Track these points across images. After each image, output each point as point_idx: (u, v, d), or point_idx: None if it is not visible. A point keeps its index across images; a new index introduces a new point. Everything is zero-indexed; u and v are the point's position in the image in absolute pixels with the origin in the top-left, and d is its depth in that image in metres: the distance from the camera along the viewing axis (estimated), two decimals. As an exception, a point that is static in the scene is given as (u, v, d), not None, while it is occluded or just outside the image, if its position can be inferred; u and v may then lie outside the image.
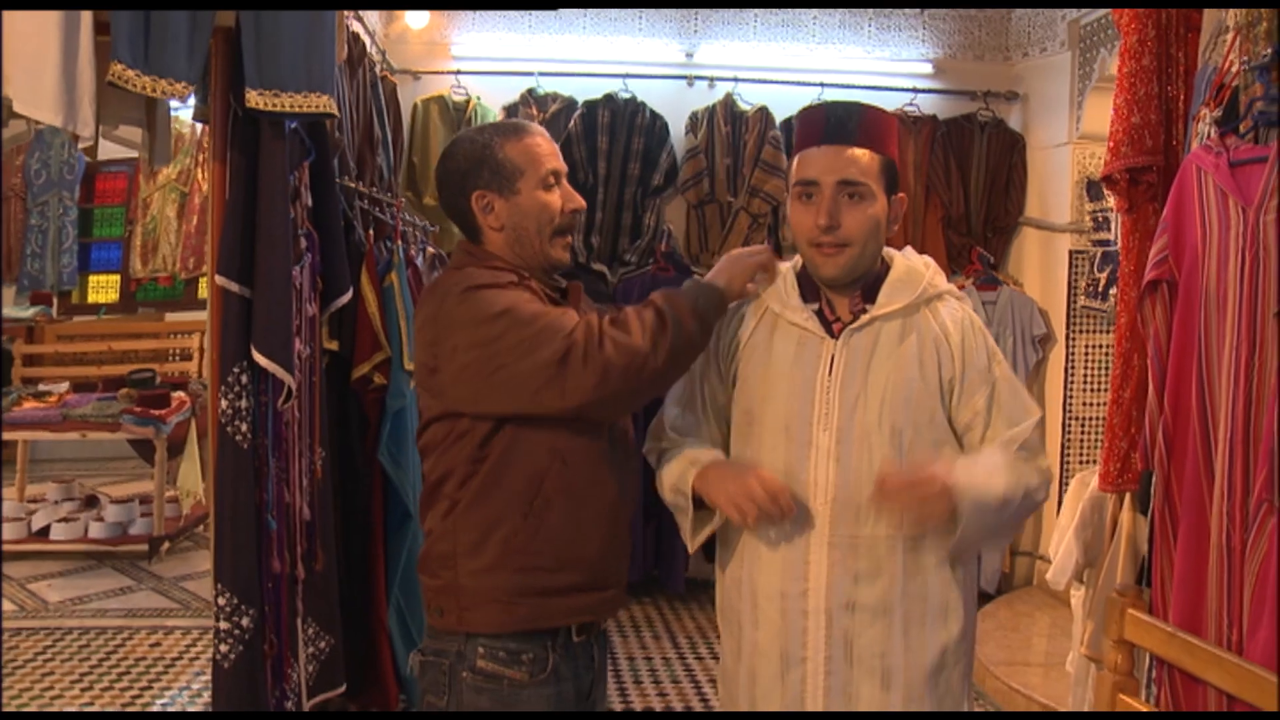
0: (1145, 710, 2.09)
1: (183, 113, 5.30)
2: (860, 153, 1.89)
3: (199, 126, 5.96)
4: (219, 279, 2.76)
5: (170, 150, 3.39)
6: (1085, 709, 3.25)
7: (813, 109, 2.01)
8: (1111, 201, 4.76)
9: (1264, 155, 2.29)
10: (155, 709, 3.79)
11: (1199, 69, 2.77)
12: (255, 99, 2.66)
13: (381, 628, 3.52)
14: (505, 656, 1.91)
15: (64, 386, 6.15)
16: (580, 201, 2.06)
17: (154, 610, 4.93)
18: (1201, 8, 2.79)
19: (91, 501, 6.24)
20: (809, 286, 1.99)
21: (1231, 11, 2.58)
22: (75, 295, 7.71)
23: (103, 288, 7.76)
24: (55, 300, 7.72)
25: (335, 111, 2.82)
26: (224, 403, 2.76)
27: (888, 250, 2.02)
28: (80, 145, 2.78)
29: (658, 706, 4.03)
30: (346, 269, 3.24)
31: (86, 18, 2.54)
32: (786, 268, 2.04)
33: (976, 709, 4.11)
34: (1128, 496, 2.98)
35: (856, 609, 1.86)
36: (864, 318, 1.92)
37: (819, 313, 1.96)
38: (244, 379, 2.77)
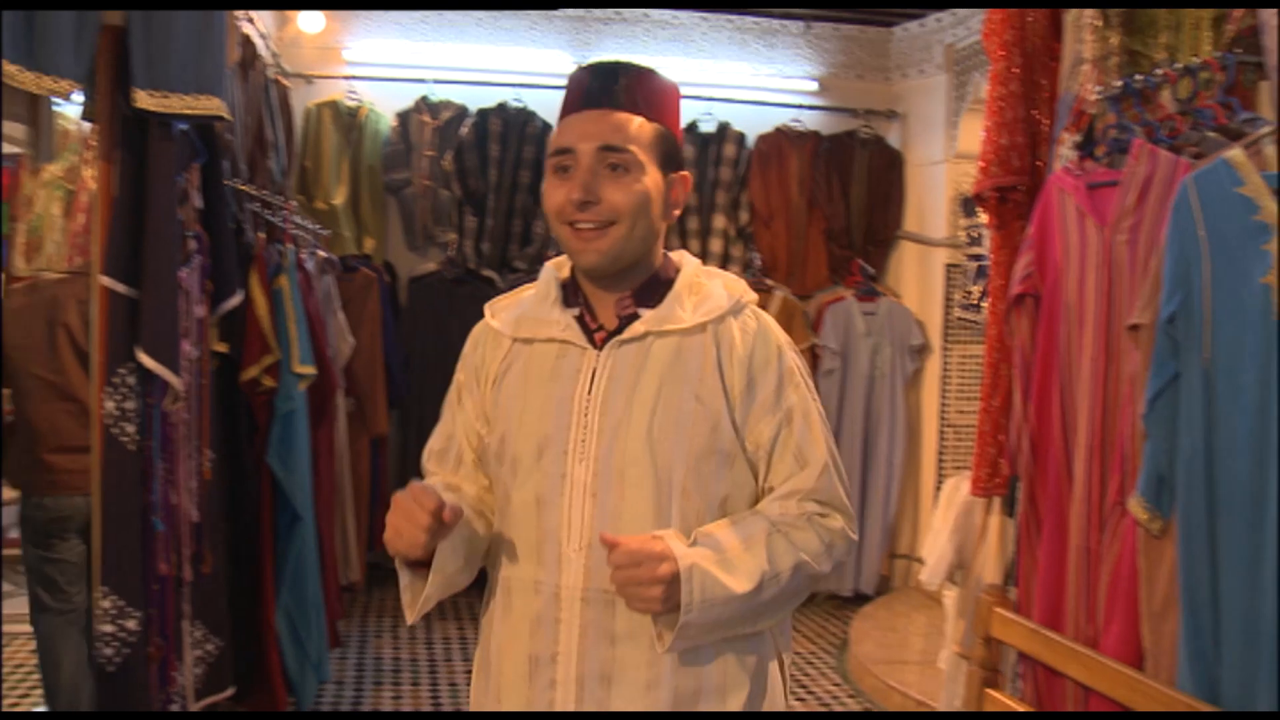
0: (1021, 710, 2.19)
1: (68, 109, 5.17)
2: (626, 117, 1.52)
3: (85, 124, 5.80)
4: (105, 279, 2.73)
5: (54, 148, 3.32)
6: (957, 704, 3.38)
7: (577, 70, 1.61)
8: (984, 218, 4.98)
9: (1117, 179, 2.44)
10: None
11: (1061, 96, 2.92)
12: (144, 99, 2.64)
13: (270, 630, 3.50)
14: None
15: (-66, 387, 5.91)
16: None
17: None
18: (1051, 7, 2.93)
19: (-36, 505, 6.01)
20: (572, 290, 1.62)
21: (1088, 44, 2.74)
22: (-48, 292, 7.39)
23: (-19, 285, 7.46)
24: (-70, 297, 7.39)
25: (226, 115, 2.81)
26: (110, 404, 2.73)
27: (677, 253, 1.66)
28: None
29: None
30: (235, 271, 3.22)
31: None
32: (548, 274, 1.66)
33: (854, 709, 4.24)
34: (996, 500, 3.11)
35: (614, 681, 1.49)
36: (636, 328, 1.54)
37: (580, 319, 1.58)
38: (130, 380, 2.75)
